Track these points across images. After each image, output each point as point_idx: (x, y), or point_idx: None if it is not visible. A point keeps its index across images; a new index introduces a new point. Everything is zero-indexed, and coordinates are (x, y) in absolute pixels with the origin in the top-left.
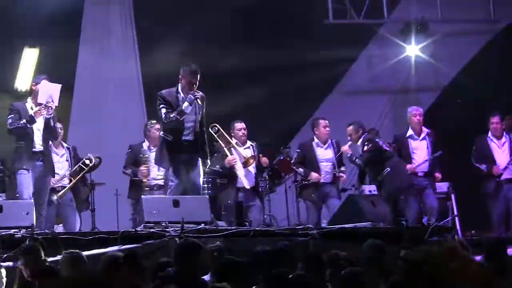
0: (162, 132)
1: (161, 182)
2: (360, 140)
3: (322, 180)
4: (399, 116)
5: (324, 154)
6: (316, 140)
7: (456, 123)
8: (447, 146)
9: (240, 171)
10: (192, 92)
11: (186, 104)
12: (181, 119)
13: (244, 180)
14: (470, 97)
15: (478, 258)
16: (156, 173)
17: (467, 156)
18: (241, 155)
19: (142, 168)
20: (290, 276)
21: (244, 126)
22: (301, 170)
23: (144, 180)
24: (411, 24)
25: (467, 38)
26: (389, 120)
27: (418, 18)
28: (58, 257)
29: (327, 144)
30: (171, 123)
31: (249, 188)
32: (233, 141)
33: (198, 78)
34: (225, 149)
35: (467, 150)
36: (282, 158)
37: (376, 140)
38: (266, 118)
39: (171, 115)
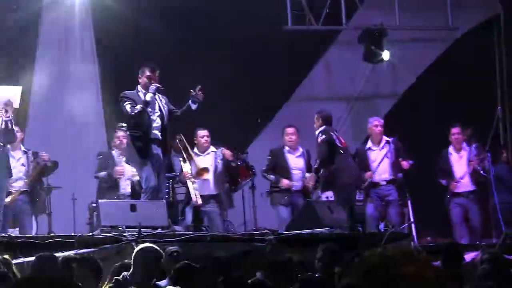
0: (129, 130)
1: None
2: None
3: (293, 188)
4: (357, 123)
5: (296, 162)
6: (286, 147)
7: (413, 130)
8: (404, 153)
9: (193, 184)
10: (153, 83)
11: (149, 94)
12: (147, 108)
13: (193, 193)
14: (428, 104)
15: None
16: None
17: (424, 163)
18: (196, 166)
19: (118, 168)
20: (249, 281)
21: (207, 133)
22: (272, 177)
23: (120, 177)
24: (369, 31)
25: (425, 45)
26: (347, 127)
27: (377, 25)
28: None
29: (299, 153)
30: (137, 116)
31: (203, 199)
32: (194, 150)
33: (157, 74)
34: (181, 162)
35: (424, 157)
36: (239, 164)
37: (331, 133)
38: (224, 123)
39: (136, 107)
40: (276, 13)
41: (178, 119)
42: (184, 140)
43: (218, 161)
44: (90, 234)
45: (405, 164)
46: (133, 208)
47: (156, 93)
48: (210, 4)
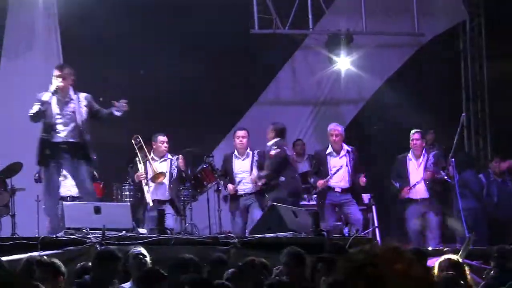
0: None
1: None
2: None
3: (241, 192)
4: (322, 128)
5: (241, 165)
6: (235, 151)
7: (378, 136)
8: (369, 159)
9: (147, 186)
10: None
11: (47, 94)
12: (42, 109)
13: (148, 196)
14: (392, 110)
15: None
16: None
17: (389, 169)
18: (153, 170)
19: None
20: (215, 283)
21: (166, 139)
22: (222, 182)
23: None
24: (335, 36)
25: (392, 50)
26: (312, 131)
27: (343, 30)
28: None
29: (244, 156)
30: (33, 118)
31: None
32: (151, 154)
33: (65, 71)
34: (138, 163)
35: (388, 162)
36: (205, 166)
37: (284, 147)
38: (190, 125)
39: (33, 109)
40: (243, 16)
41: (100, 120)
42: (141, 141)
43: (174, 168)
44: (54, 236)
45: (363, 180)
46: (97, 210)
47: (54, 94)
48: (178, 6)
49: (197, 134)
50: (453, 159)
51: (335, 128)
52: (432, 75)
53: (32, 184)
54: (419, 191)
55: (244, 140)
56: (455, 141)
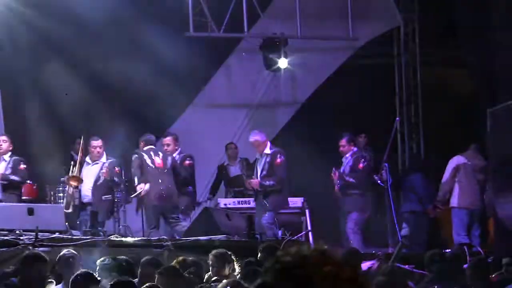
0: None
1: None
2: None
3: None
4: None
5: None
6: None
7: (310, 139)
8: (302, 162)
9: (71, 188)
10: None
11: None
12: None
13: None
14: (328, 113)
15: None
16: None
17: (321, 172)
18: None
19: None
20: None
21: (100, 144)
22: None
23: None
24: (270, 39)
25: (326, 55)
26: (247, 134)
27: (277, 34)
28: None
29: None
30: None
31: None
32: (86, 158)
33: None
34: (72, 164)
35: (321, 166)
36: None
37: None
38: (126, 127)
39: None
40: (178, 19)
41: None
42: (81, 143)
43: (103, 171)
44: None
45: (254, 182)
46: (30, 211)
47: None
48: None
49: (132, 136)
50: (386, 163)
51: (253, 140)
52: (367, 80)
53: None
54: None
55: (169, 148)
56: (388, 145)
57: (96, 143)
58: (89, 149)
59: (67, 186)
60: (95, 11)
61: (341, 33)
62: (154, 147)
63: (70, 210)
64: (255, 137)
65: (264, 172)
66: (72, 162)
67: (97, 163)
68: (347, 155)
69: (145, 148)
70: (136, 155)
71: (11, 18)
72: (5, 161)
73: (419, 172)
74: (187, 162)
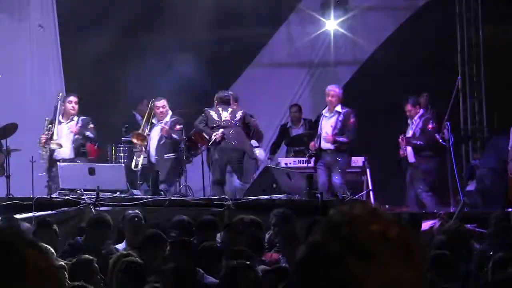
0: None
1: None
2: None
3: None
4: (317, 89)
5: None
6: None
7: (373, 98)
8: (364, 121)
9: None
10: None
11: None
12: None
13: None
14: (388, 72)
15: None
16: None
17: (384, 131)
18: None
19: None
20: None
21: (163, 104)
22: None
23: None
24: None
25: (386, 13)
26: (308, 92)
27: None
28: None
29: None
30: None
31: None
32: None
33: None
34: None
35: (383, 125)
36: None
37: None
38: (188, 90)
39: None
40: None
41: None
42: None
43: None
44: (49, 196)
45: (327, 138)
46: (91, 171)
47: None
48: None
49: (194, 97)
50: (448, 122)
51: (331, 88)
52: (428, 38)
53: (28, 145)
54: (410, 154)
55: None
56: (450, 104)
57: (159, 103)
58: (154, 110)
59: (135, 145)
60: None
61: None
62: (225, 104)
63: (138, 169)
64: (335, 88)
65: (336, 131)
66: (142, 122)
67: (162, 123)
68: (415, 118)
69: (217, 105)
70: (204, 113)
71: None
72: (74, 120)
73: (506, 134)
74: (178, 126)
